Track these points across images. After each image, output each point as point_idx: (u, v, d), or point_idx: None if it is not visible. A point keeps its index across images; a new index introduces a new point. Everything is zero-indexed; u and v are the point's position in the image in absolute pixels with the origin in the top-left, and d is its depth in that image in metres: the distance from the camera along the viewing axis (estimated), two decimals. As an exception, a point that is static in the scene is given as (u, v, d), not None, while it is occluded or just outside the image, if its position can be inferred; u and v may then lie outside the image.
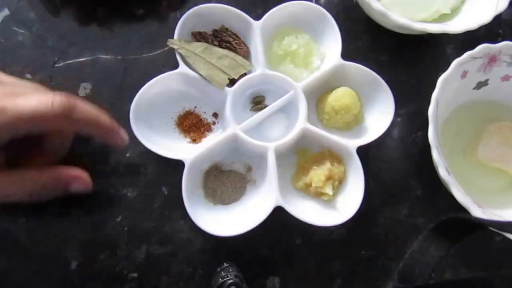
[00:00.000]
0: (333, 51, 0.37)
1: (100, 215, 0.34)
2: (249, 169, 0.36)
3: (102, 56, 0.38)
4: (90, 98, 0.37)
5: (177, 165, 0.33)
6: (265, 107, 0.36)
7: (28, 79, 0.37)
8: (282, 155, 0.36)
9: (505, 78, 0.36)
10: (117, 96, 0.37)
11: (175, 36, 0.35)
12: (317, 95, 0.38)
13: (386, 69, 0.39)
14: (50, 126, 0.27)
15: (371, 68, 0.36)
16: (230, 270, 0.32)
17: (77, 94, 0.37)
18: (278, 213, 0.32)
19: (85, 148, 0.36)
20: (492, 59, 0.34)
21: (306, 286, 0.34)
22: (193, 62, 0.35)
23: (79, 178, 0.29)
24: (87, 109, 0.27)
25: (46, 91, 0.29)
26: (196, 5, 0.36)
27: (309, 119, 0.35)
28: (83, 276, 0.33)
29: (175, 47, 0.35)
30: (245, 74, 0.36)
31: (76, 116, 0.26)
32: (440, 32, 0.34)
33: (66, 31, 0.39)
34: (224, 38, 0.37)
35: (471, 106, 0.38)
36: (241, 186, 0.35)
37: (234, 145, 0.36)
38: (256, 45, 0.36)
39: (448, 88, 0.33)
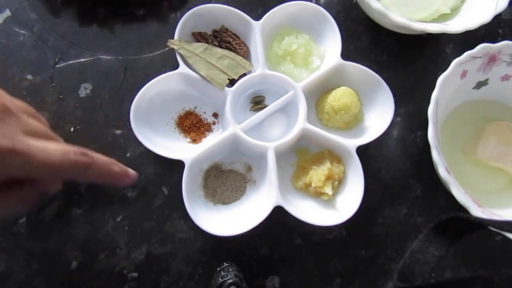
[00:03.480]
0: (333, 51, 0.37)
1: (100, 215, 0.34)
2: (249, 169, 0.36)
3: (103, 56, 0.38)
4: (90, 98, 0.37)
5: (177, 165, 0.33)
6: (265, 107, 0.36)
7: (29, 79, 0.37)
8: (282, 155, 0.36)
9: (505, 77, 0.36)
10: (118, 96, 0.37)
11: (176, 37, 0.35)
12: (317, 95, 0.38)
13: (385, 69, 0.40)
14: (63, 178, 0.27)
15: (371, 68, 0.36)
16: (230, 269, 0.32)
17: (78, 95, 0.37)
18: (278, 213, 0.32)
19: (85, 148, 0.36)
20: (492, 59, 0.34)
21: (305, 286, 0.34)
22: (193, 62, 0.35)
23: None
24: (102, 164, 0.27)
25: (57, 138, 0.29)
26: (196, 5, 0.36)
27: (309, 119, 0.36)
28: (83, 276, 0.33)
29: (175, 47, 0.35)
30: (245, 74, 0.37)
31: (92, 172, 0.26)
32: (440, 32, 0.34)
33: (67, 31, 0.39)
34: (224, 38, 0.37)
35: (470, 105, 0.38)
36: (241, 186, 0.35)
37: (234, 145, 0.36)
38: (256, 45, 0.36)
39: (448, 87, 0.33)
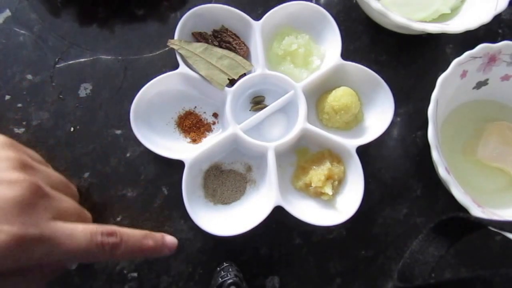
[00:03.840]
0: (333, 51, 0.37)
1: (100, 215, 0.34)
2: (249, 169, 0.36)
3: (103, 56, 0.38)
4: (90, 98, 0.37)
5: (177, 165, 0.33)
6: (265, 107, 0.36)
7: (29, 79, 0.37)
8: (282, 155, 0.36)
9: (505, 77, 0.36)
10: (118, 97, 0.37)
11: (176, 37, 0.35)
12: (317, 95, 0.38)
13: (386, 69, 0.40)
14: (91, 261, 0.26)
15: (371, 68, 0.36)
16: (230, 269, 0.32)
17: (78, 95, 0.37)
18: (278, 213, 0.32)
19: (85, 148, 0.36)
20: (492, 59, 0.34)
21: (305, 286, 0.34)
22: (193, 62, 0.35)
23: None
24: (132, 241, 0.25)
25: (85, 214, 0.27)
26: (196, 5, 0.36)
27: (309, 119, 0.36)
28: (83, 276, 0.33)
29: (175, 47, 0.35)
30: (245, 74, 0.37)
31: (121, 251, 0.24)
32: (440, 32, 0.34)
33: (67, 31, 0.39)
34: (224, 39, 0.37)
35: (470, 105, 0.38)
36: (241, 186, 0.35)
37: (234, 145, 0.36)
38: (256, 45, 0.36)
39: (448, 87, 0.33)
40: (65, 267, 0.27)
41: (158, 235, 0.27)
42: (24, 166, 0.24)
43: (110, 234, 0.24)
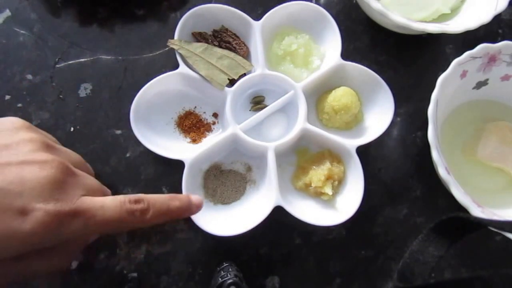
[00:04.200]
0: (333, 51, 0.37)
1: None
2: (249, 169, 0.36)
3: (103, 56, 0.38)
4: (90, 98, 0.37)
5: (177, 165, 0.33)
6: (265, 107, 0.36)
7: (29, 79, 0.37)
8: (281, 155, 0.36)
9: (505, 77, 0.36)
10: (118, 96, 0.37)
11: (175, 37, 0.35)
12: (317, 95, 0.38)
13: (386, 69, 0.40)
14: (122, 230, 0.27)
15: (371, 68, 0.36)
16: (230, 269, 0.32)
17: (78, 95, 0.37)
18: (278, 213, 0.32)
19: (85, 148, 0.36)
20: (492, 59, 0.34)
21: (305, 286, 0.34)
22: (193, 62, 0.35)
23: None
24: (159, 204, 0.26)
25: (106, 189, 0.28)
26: (196, 5, 0.36)
27: (309, 119, 0.36)
28: (83, 276, 0.33)
29: (175, 47, 0.35)
30: (245, 74, 0.37)
31: (150, 216, 0.25)
32: (440, 32, 0.34)
33: (67, 31, 0.39)
34: (224, 39, 0.37)
35: (470, 105, 0.38)
36: (241, 186, 0.35)
37: (234, 145, 0.36)
38: (256, 45, 0.36)
39: (448, 87, 0.33)
40: (88, 242, 0.28)
41: (183, 195, 0.27)
42: (48, 147, 0.25)
43: (138, 201, 0.25)
